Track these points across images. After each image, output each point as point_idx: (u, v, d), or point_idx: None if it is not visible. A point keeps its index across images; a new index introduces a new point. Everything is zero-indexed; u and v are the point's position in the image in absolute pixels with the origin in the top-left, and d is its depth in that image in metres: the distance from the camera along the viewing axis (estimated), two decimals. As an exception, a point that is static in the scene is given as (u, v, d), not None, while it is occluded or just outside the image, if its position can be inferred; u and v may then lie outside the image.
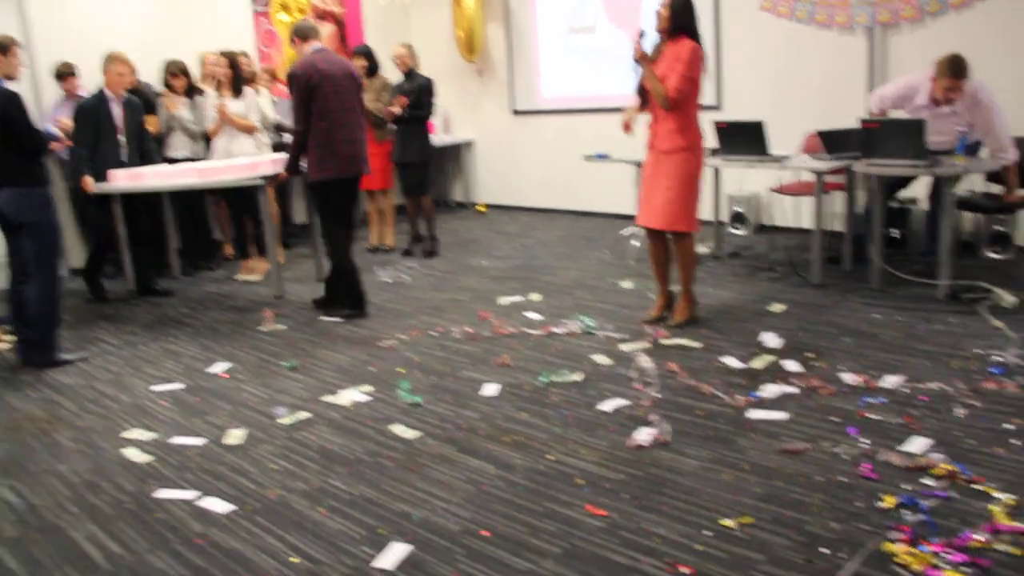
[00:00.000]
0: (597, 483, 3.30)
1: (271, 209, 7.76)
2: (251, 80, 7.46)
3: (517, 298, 6.01)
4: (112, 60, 6.50)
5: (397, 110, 7.41)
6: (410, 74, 7.65)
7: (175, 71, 7.40)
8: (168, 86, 7.44)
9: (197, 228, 7.92)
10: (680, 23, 4.77)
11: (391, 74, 7.92)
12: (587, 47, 8.92)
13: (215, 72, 7.08)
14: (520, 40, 9.55)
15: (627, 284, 6.15)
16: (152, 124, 7.35)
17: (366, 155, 5.81)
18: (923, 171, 5.16)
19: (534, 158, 9.60)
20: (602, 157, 6.97)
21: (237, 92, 7.05)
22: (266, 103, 7.55)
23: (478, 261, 7.36)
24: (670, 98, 4.75)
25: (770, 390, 4.01)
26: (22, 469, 3.94)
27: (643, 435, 3.63)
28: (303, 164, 5.85)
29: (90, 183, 6.41)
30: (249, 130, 7.09)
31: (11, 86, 5.12)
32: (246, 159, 6.67)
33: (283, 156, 6.18)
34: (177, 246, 7.78)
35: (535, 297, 5.99)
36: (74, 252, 7.86)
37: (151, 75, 7.68)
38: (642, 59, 4.81)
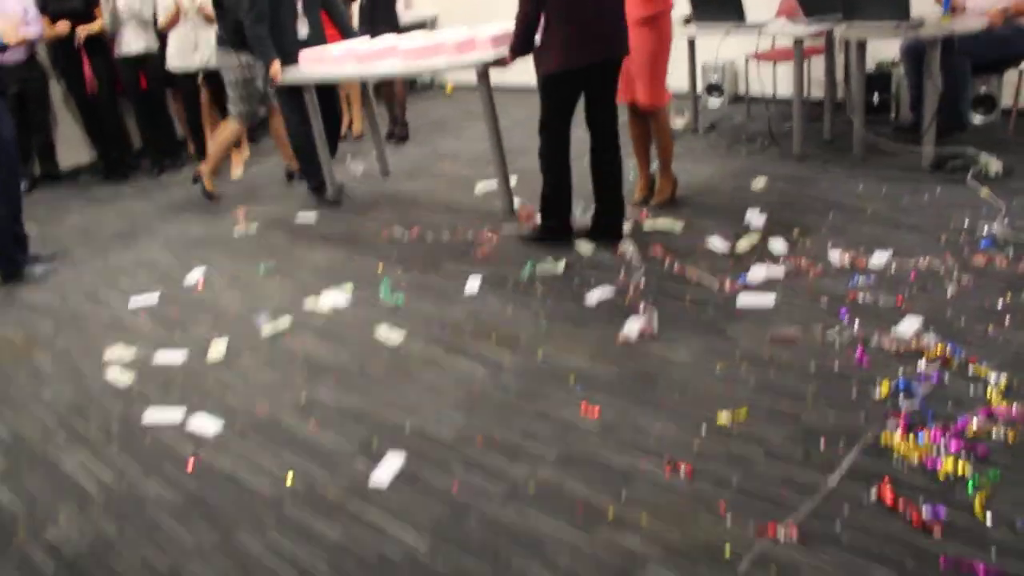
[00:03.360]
0: (589, 381, 3.27)
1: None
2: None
3: (492, 182, 5.87)
4: None
5: None
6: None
7: None
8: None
9: (159, 124, 7.64)
10: None
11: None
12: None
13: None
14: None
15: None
16: (99, 14, 7.03)
17: (624, 29, 4.31)
18: (907, 33, 5.00)
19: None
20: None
21: None
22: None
23: (450, 145, 7.18)
24: None
25: (757, 273, 3.95)
26: (5, 398, 3.89)
27: (632, 328, 3.59)
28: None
29: (278, 69, 5.48)
30: (211, 19, 6.76)
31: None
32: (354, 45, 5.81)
33: (503, 31, 4.82)
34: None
35: (512, 180, 5.85)
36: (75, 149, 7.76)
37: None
38: None
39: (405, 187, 6.08)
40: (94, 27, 7.03)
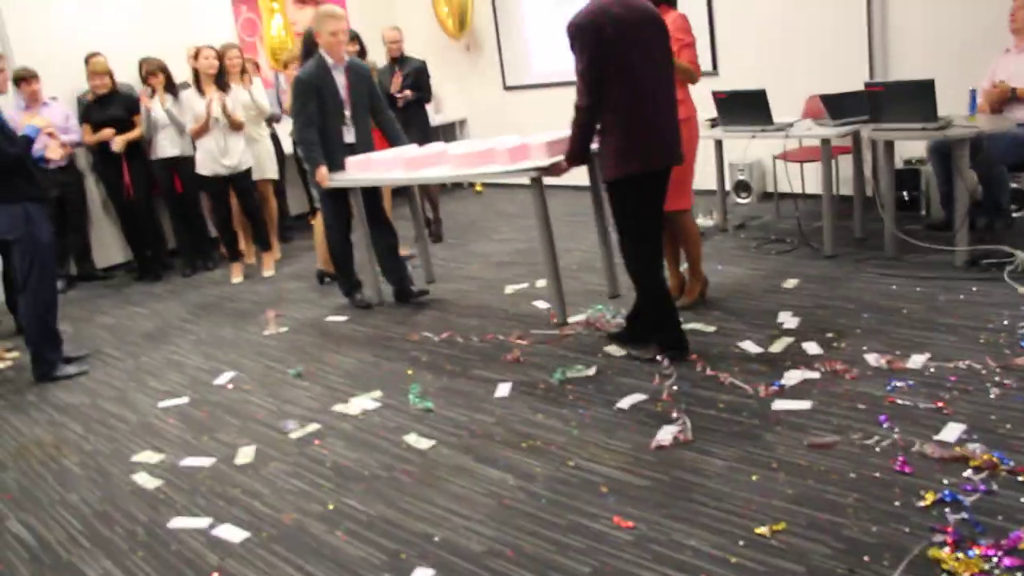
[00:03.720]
0: (622, 491, 3.19)
1: (270, 202, 7.67)
2: (243, 72, 7.25)
3: (523, 285, 5.88)
4: (325, 18, 5.44)
5: (409, 94, 7.25)
6: (402, 58, 7.48)
7: (153, 69, 7.19)
8: (147, 84, 7.23)
9: (193, 225, 7.74)
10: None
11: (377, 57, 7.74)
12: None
13: (206, 67, 6.80)
14: (507, 13, 9.35)
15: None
16: (138, 121, 7.20)
17: (679, 137, 4.25)
18: (934, 134, 5.00)
19: (528, 134, 9.41)
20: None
21: (221, 87, 6.83)
22: (260, 93, 7.34)
23: (481, 246, 7.21)
24: (696, 72, 4.65)
25: (792, 376, 3.89)
26: (32, 500, 3.86)
27: (665, 434, 3.52)
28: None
29: (325, 174, 5.47)
30: (240, 126, 6.90)
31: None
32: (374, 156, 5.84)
33: (556, 137, 4.74)
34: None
35: (541, 283, 5.86)
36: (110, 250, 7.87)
37: (130, 76, 7.51)
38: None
39: (436, 289, 6.07)
40: (134, 135, 7.21)
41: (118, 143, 7.15)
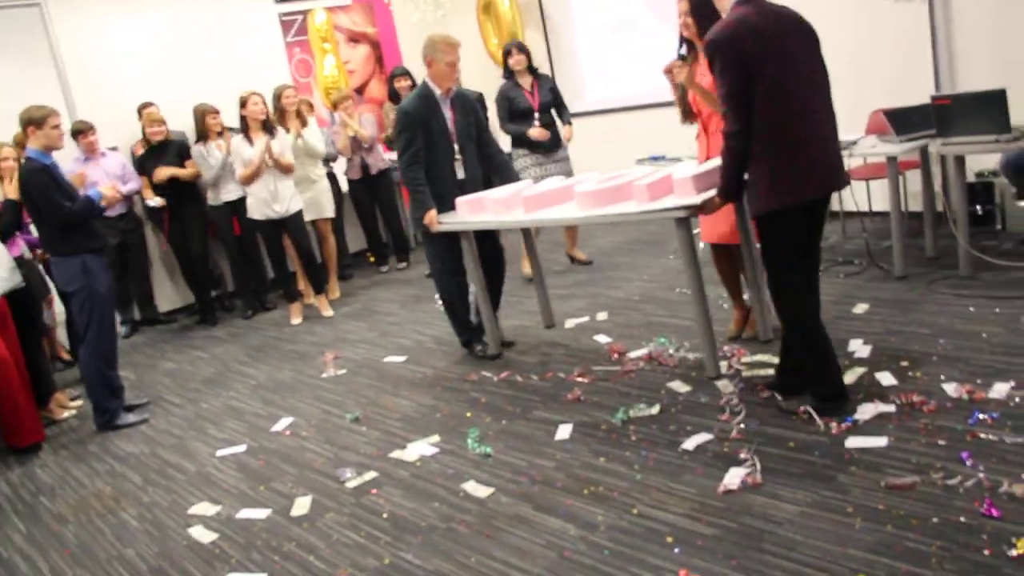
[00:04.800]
0: (688, 540, 3.03)
1: (329, 240, 7.66)
2: (299, 114, 7.26)
3: (584, 319, 5.74)
4: (441, 45, 5.08)
5: None
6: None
7: (211, 111, 7.25)
8: (203, 131, 7.27)
9: (252, 267, 7.76)
10: (707, 25, 4.47)
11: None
12: (629, 44, 8.61)
13: (255, 113, 6.81)
14: (559, 43, 9.27)
15: (697, 293, 5.82)
16: (190, 167, 7.24)
17: (840, 158, 3.80)
18: (1008, 146, 4.77)
19: (584, 162, 9.25)
20: (656, 159, 6.66)
21: (268, 131, 6.82)
22: (314, 135, 7.33)
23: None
24: None
25: (866, 410, 3.68)
26: (91, 556, 3.86)
27: (733, 478, 3.35)
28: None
29: (434, 218, 5.05)
30: (289, 169, 6.89)
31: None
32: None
33: (702, 169, 4.21)
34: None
35: (602, 316, 5.71)
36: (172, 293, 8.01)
37: (186, 124, 7.58)
38: (691, 84, 4.46)
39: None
40: (187, 172, 7.23)
41: (155, 198, 7.28)
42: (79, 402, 5.95)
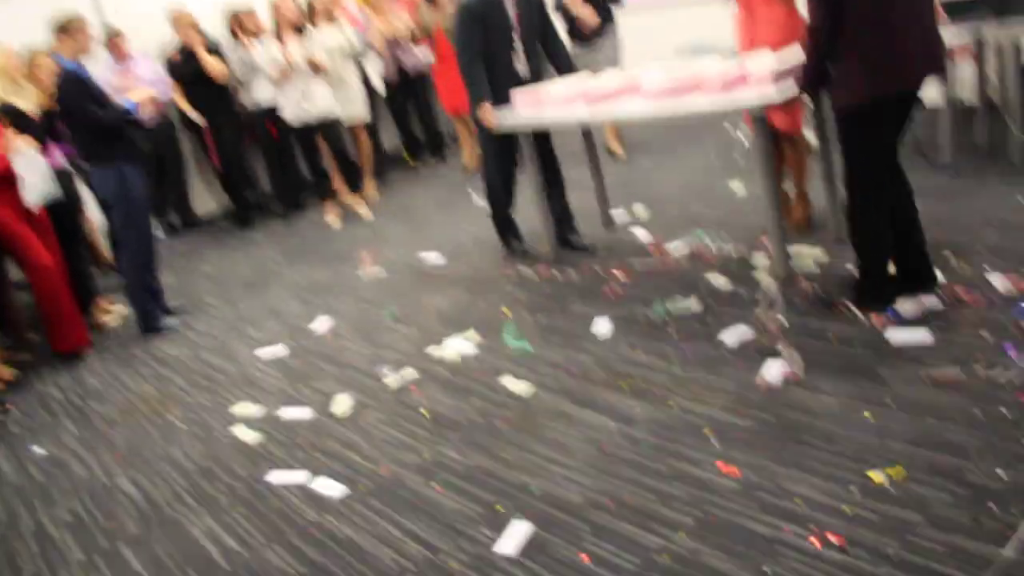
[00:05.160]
0: (727, 433, 3.03)
1: (363, 141, 7.61)
2: (330, 12, 7.13)
3: (620, 211, 5.67)
4: None
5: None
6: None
7: (245, 12, 7.14)
8: (236, 33, 7.18)
9: (287, 170, 7.74)
10: None
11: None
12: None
13: (287, 14, 6.69)
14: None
15: (737, 186, 5.72)
16: (220, 69, 7.15)
17: (940, 39, 3.43)
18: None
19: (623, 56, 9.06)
20: (697, 50, 6.48)
21: (299, 31, 6.72)
22: (349, 32, 7.20)
23: (574, 172, 6.93)
24: None
25: (908, 304, 3.62)
26: (140, 457, 3.94)
27: (772, 372, 3.33)
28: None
29: (490, 112, 4.85)
30: (322, 69, 6.79)
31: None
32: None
33: (782, 64, 3.83)
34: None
35: (640, 210, 5.64)
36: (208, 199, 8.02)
37: (217, 30, 7.49)
38: None
39: (531, 218, 5.73)
40: (215, 67, 7.17)
41: (199, 117, 7.20)
42: (120, 307, 6.02)
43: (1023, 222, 4.20)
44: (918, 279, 3.68)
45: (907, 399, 2.98)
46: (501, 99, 4.86)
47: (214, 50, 7.25)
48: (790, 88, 3.71)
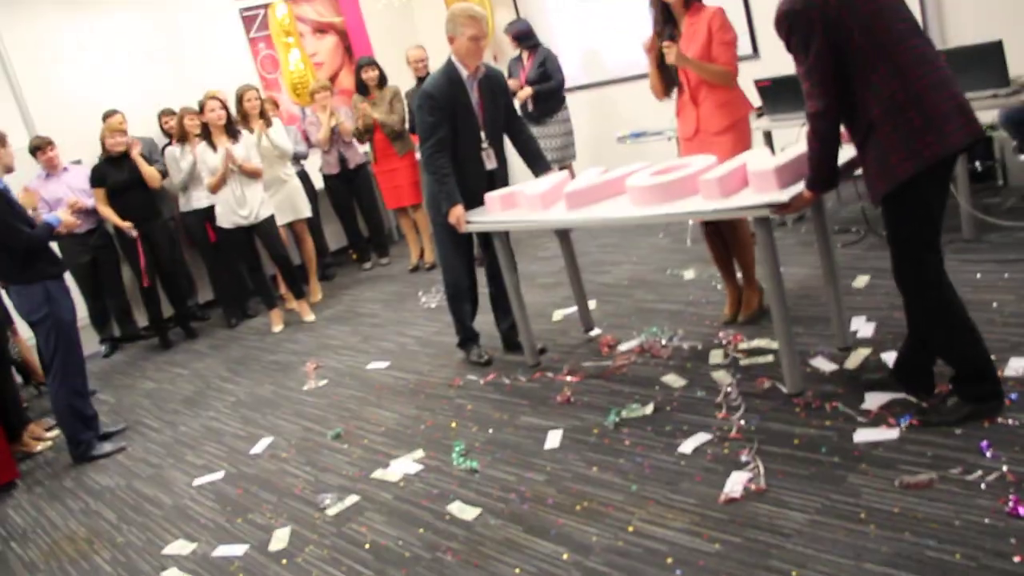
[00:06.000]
0: (689, 561, 2.79)
1: (306, 242, 7.40)
2: (263, 114, 6.98)
3: (571, 309, 5.46)
4: (463, 19, 4.45)
5: None
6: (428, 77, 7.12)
7: (189, 113, 6.94)
8: (177, 133, 6.98)
9: (226, 272, 7.47)
10: None
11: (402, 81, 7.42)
12: (603, 15, 8.26)
13: (213, 119, 6.50)
14: (531, 19, 8.91)
15: (689, 273, 5.56)
16: (154, 175, 6.92)
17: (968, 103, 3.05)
18: (1008, 100, 4.50)
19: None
20: (638, 136, 6.40)
21: (231, 135, 6.54)
22: (279, 134, 7.03)
23: (526, 266, 6.76)
24: (734, 75, 4.25)
25: (873, 399, 3.43)
26: (58, 610, 3.60)
27: (735, 485, 3.10)
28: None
29: (461, 215, 4.51)
30: (256, 174, 6.61)
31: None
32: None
33: (784, 160, 3.56)
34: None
35: (591, 305, 5.45)
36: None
37: (151, 129, 7.31)
38: (684, 62, 4.19)
39: (479, 320, 5.30)
40: (149, 173, 6.92)
41: (127, 226, 6.88)
42: (55, 432, 5.70)
43: (983, 301, 4.05)
44: (918, 384, 3.39)
45: (881, 511, 2.77)
46: (471, 197, 4.59)
47: (145, 156, 7.01)
48: (796, 188, 3.41)
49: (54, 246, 5.24)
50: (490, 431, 4.13)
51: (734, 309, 4.63)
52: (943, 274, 3.12)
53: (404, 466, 3.99)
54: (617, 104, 8.11)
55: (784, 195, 3.39)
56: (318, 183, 7.98)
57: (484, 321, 5.17)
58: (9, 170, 4.99)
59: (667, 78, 4.44)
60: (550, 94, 7.38)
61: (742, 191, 3.64)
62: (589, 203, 4.18)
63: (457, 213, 4.50)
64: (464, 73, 4.54)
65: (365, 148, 7.67)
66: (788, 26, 3.05)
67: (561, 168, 7.13)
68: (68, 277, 5.22)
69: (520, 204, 4.48)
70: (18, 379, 6.61)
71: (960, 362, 3.16)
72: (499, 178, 4.78)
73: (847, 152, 3.42)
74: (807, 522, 2.82)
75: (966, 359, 3.13)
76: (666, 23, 4.32)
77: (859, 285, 4.66)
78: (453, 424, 4.31)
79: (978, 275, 4.36)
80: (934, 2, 5.92)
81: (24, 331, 6.28)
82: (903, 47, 2.96)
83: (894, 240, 3.15)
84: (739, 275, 4.67)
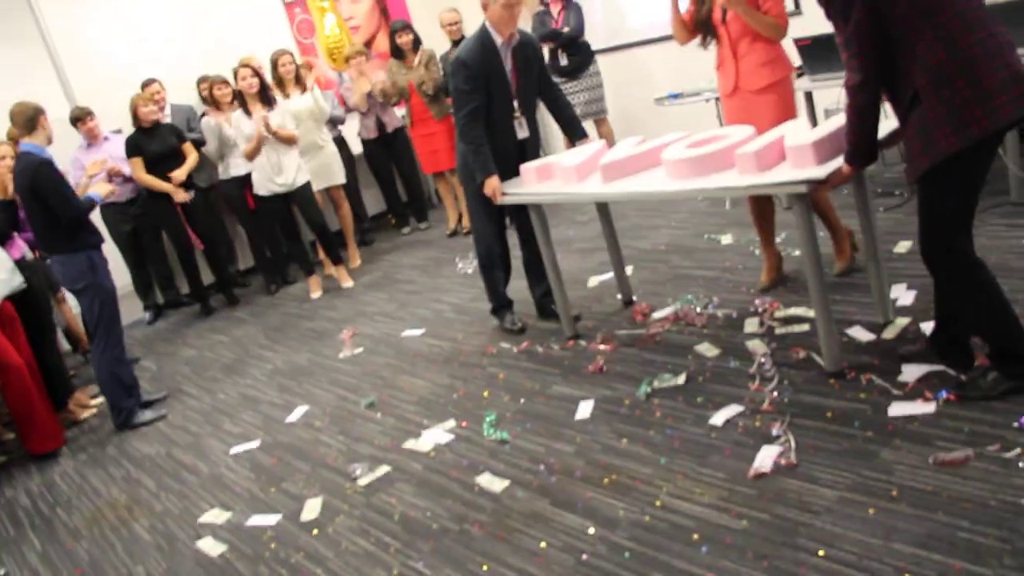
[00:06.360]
0: (716, 538, 2.75)
1: (343, 207, 7.40)
2: (299, 79, 6.97)
3: (607, 275, 5.41)
4: None
5: None
6: (463, 40, 7.05)
7: (217, 82, 6.94)
8: (211, 102, 7.00)
9: (265, 239, 7.49)
10: None
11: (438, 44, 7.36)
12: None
13: (245, 87, 6.49)
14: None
15: (727, 239, 5.46)
16: (187, 150, 6.94)
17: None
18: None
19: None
20: (675, 97, 6.28)
21: (266, 102, 6.54)
22: (319, 97, 7.01)
23: (561, 231, 6.70)
24: (784, 27, 4.09)
25: (911, 371, 3.34)
26: (101, 575, 3.66)
27: (765, 460, 3.05)
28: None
29: (497, 186, 4.46)
30: (291, 140, 6.60)
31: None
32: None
33: (824, 134, 3.37)
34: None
35: (627, 271, 5.38)
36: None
37: (191, 96, 7.33)
38: (733, 1, 4.03)
39: (514, 286, 5.28)
40: (189, 165, 6.95)
41: (181, 195, 6.89)
42: (99, 399, 5.79)
43: (1027, 268, 3.92)
44: (955, 358, 3.28)
45: (913, 488, 2.71)
46: (502, 166, 4.52)
47: (174, 129, 7.00)
48: (832, 163, 3.27)
49: (95, 216, 5.30)
50: (521, 401, 4.11)
51: (772, 276, 4.54)
52: (974, 253, 2.99)
53: (435, 436, 3.99)
54: (651, 65, 7.96)
55: (822, 171, 3.25)
56: (356, 148, 7.94)
57: (518, 288, 5.13)
58: (49, 142, 5.03)
59: (704, 24, 4.28)
60: (578, 48, 7.38)
61: (779, 165, 3.51)
62: (625, 175, 4.08)
63: (493, 184, 4.45)
64: (498, 40, 4.45)
65: (402, 111, 7.62)
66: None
67: (596, 122, 7.09)
68: (111, 247, 5.28)
69: (555, 175, 4.38)
70: (66, 347, 6.75)
71: (995, 339, 3.05)
72: (530, 147, 4.71)
73: (888, 125, 3.29)
74: (837, 499, 2.76)
75: (1001, 337, 3.02)
76: None
77: (901, 251, 4.54)
78: (485, 393, 4.29)
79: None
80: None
81: (69, 300, 6.37)
82: (953, 11, 2.77)
83: (928, 217, 3.00)
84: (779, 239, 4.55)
